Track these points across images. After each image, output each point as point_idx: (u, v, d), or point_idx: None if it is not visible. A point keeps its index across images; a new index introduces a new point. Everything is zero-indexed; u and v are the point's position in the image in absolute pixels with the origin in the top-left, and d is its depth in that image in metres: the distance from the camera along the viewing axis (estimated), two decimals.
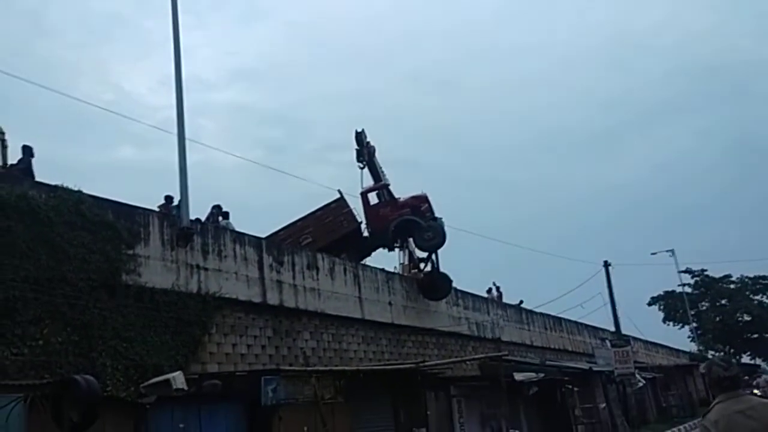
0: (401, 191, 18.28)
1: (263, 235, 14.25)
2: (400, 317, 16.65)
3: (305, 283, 13.55)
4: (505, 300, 23.96)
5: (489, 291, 23.68)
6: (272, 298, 12.55)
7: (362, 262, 17.45)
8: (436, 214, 17.78)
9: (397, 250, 18.77)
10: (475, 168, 67.72)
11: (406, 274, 18.49)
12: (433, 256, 18.10)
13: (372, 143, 18.34)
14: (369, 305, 15.51)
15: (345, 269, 15.10)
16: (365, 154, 18.00)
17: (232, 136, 62.38)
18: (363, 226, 17.52)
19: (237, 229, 13.14)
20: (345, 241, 16.80)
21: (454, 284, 18.57)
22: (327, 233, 16.63)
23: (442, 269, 18.08)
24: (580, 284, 26.01)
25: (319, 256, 14.40)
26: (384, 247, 18.14)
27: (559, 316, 27.07)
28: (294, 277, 13.28)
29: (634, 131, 73.67)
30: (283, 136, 65.95)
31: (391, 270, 17.94)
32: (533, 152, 70.63)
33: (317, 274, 14.02)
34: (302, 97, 69.11)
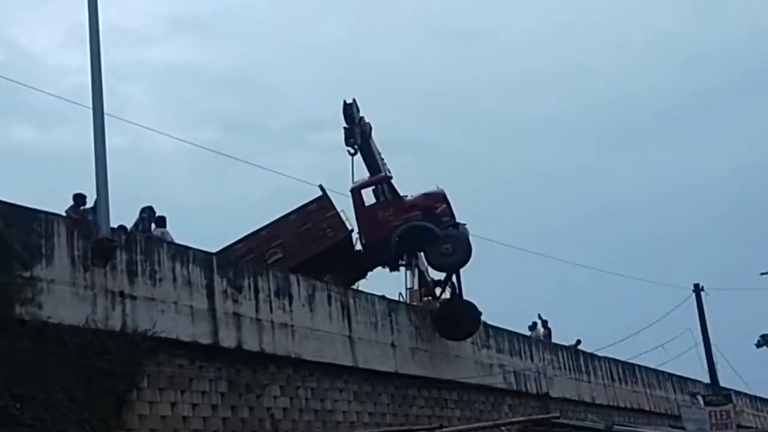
0: (409, 187, 18.34)
1: (214, 250, 14.21)
2: (407, 364, 16.67)
3: (273, 317, 13.56)
4: (555, 340, 23.99)
5: (533, 327, 23.73)
6: (227, 338, 12.57)
7: (354, 286, 17.40)
8: (458, 219, 17.85)
9: (402, 269, 18.77)
10: (509, 154, 67.25)
11: (415, 304, 18.50)
12: (454, 278, 18.17)
13: (367, 120, 18.42)
14: (363, 348, 15.54)
15: (329, 297, 15.13)
16: (357, 134, 18.06)
17: (174, 110, 62.18)
18: (355, 235, 17.61)
19: (177, 240, 13.14)
20: (329, 258, 16.88)
21: (483, 317, 18.60)
22: (304, 246, 16.71)
23: (466, 296, 18.14)
24: (661, 317, 26.00)
25: (293, 278, 14.44)
26: (384, 266, 18.21)
27: (632, 362, 27.14)
28: (257, 309, 13.29)
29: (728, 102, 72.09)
30: (244, 110, 65.52)
31: (395, 298, 17.96)
32: (584, 133, 69.90)
33: (290, 303, 14.05)
34: (269, 56, 68.77)
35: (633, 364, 27.38)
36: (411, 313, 17.49)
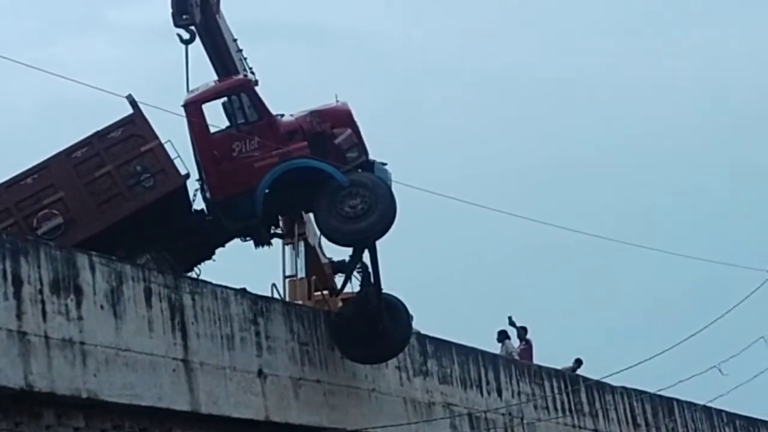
0: (291, 101, 18.79)
1: None
2: (285, 407, 16.99)
3: (48, 329, 13.50)
4: (539, 359, 24.91)
5: (502, 339, 24.35)
6: None
7: (193, 272, 17.74)
8: (372, 155, 18.30)
9: (278, 243, 19.17)
10: (465, 45, 67.18)
11: (301, 303, 18.79)
12: (367, 258, 18.57)
13: None
14: (209, 379, 15.74)
15: (149, 292, 15.20)
16: (195, 5, 18.05)
17: None
18: (194, 184, 17.94)
19: None
20: (148, 224, 17.08)
21: (415, 324, 19.24)
22: (102, 204, 16.85)
23: (386, 289, 18.56)
24: (716, 319, 26.96)
25: (83, 260, 14.40)
26: (246, 237, 18.52)
27: (668, 395, 28.07)
28: (20, 315, 13.21)
29: None
30: None
31: (265, 293, 18.22)
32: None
33: (79, 305, 14.05)
34: None
35: (670, 399, 28.45)
36: (293, 320, 17.75)
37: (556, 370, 24.93)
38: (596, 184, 57.73)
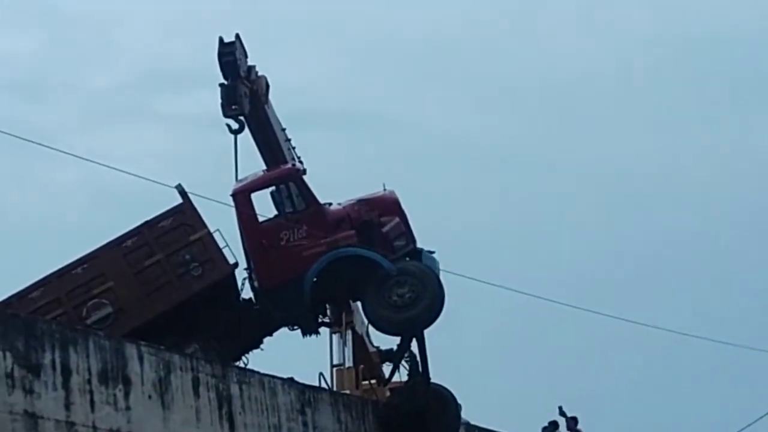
0: (337, 191, 18.76)
1: None
2: None
3: (97, 419, 13.55)
4: None
5: (552, 429, 24.08)
6: None
7: (241, 362, 17.68)
8: (420, 244, 18.35)
9: (326, 332, 19.20)
10: (521, 136, 67.27)
11: (349, 393, 18.79)
12: (415, 347, 18.49)
13: (261, 73, 18.91)
14: None
15: (197, 382, 15.22)
16: (244, 96, 18.37)
17: None
18: (241, 273, 17.97)
19: None
20: (197, 313, 17.11)
21: (464, 414, 19.12)
22: (152, 294, 16.93)
23: (435, 378, 18.46)
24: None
25: (131, 350, 14.45)
26: (293, 326, 18.48)
27: None
28: (68, 405, 13.25)
29: None
30: (42, 53, 64.66)
31: (313, 383, 18.18)
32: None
33: (127, 395, 14.09)
34: None
35: None
36: (341, 409, 17.70)
37: None
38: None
